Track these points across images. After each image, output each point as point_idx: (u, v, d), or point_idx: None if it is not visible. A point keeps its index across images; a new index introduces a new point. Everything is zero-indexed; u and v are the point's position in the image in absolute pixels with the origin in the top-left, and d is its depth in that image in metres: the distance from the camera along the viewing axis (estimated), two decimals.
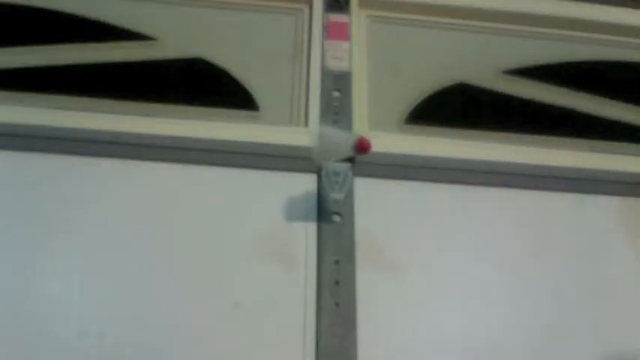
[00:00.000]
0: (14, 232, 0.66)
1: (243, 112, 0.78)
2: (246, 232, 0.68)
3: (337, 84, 0.80)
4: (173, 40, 0.85)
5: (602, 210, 0.76)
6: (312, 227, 0.69)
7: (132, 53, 0.83)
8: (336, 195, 0.66)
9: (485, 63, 0.89)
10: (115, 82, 0.79)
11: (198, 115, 0.76)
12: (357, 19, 0.90)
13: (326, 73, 0.81)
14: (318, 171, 0.72)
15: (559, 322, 0.66)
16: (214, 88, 0.81)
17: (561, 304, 0.68)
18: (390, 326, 0.64)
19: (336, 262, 0.66)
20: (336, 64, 0.82)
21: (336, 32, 0.86)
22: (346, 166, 0.67)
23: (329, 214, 0.69)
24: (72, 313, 0.61)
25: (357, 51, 0.85)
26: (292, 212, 0.70)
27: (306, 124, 0.75)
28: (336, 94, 0.79)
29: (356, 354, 0.60)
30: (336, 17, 0.88)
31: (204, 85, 0.81)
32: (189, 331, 0.61)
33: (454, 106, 0.84)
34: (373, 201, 0.72)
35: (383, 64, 0.86)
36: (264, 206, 0.70)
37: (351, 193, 0.71)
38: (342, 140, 0.65)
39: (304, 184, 0.72)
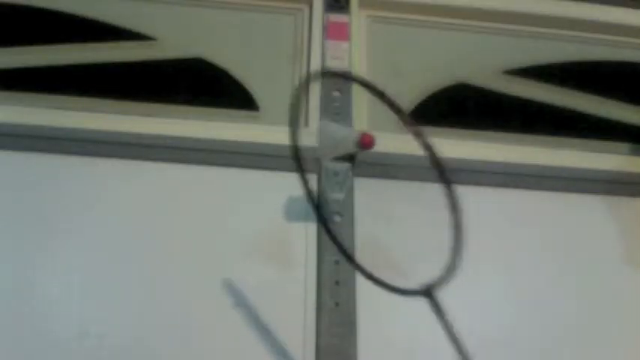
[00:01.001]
0: (14, 232, 0.66)
1: (243, 112, 0.78)
2: (246, 232, 0.68)
3: (337, 84, 0.80)
4: (173, 40, 0.85)
5: (602, 210, 0.76)
6: (312, 227, 0.69)
7: (132, 53, 0.83)
8: (336, 195, 0.66)
9: (485, 63, 0.89)
10: (115, 82, 0.79)
11: (198, 115, 0.76)
12: (357, 19, 0.89)
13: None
14: (318, 171, 0.72)
15: (558, 323, 0.66)
16: (214, 88, 0.81)
17: (560, 304, 0.68)
18: (390, 326, 0.63)
19: (336, 262, 0.66)
20: (336, 64, 0.82)
21: (336, 32, 0.86)
22: (346, 166, 0.67)
23: (329, 214, 0.69)
24: (72, 313, 0.61)
25: (357, 51, 0.85)
26: (292, 212, 0.70)
27: (306, 124, 0.75)
28: (336, 94, 0.79)
29: (356, 354, 0.60)
30: (336, 17, 0.88)
31: (204, 85, 0.81)
32: (189, 331, 0.61)
33: (454, 106, 0.84)
34: (373, 201, 0.72)
35: (383, 64, 0.86)
36: (264, 206, 0.70)
37: (351, 193, 0.71)
38: (346, 136, 0.65)
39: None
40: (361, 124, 0.76)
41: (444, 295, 0.67)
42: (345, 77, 0.43)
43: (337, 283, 0.65)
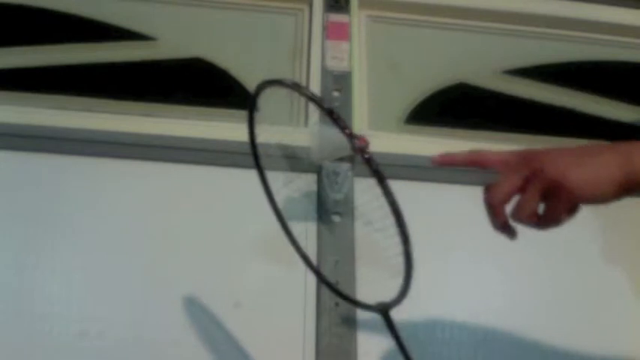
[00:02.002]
0: (15, 232, 0.66)
1: (243, 112, 0.78)
2: (246, 232, 0.68)
3: (337, 84, 0.80)
4: (173, 40, 0.85)
5: (600, 210, 0.76)
6: (312, 227, 0.69)
7: (132, 53, 0.83)
8: (336, 195, 0.66)
9: (485, 63, 0.89)
10: (115, 82, 0.79)
11: (198, 115, 0.76)
12: (357, 19, 0.89)
13: (326, 73, 0.81)
14: (318, 171, 0.72)
15: (559, 322, 0.66)
16: (214, 88, 0.81)
17: (560, 302, 0.68)
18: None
19: (336, 262, 0.66)
20: (336, 64, 0.82)
21: (336, 32, 0.86)
22: (346, 166, 0.67)
23: (329, 214, 0.69)
24: (72, 313, 0.61)
25: (357, 51, 0.85)
26: (292, 212, 0.70)
27: (306, 124, 0.75)
28: (336, 94, 0.79)
29: (356, 354, 0.60)
30: (336, 17, 0.88)
31: (204, 85, 0.81)
32: (189, 331, 0.61)
33: (454, 106, 0.84)
34: (373, 201, 0.72)
35: (383, 64, 0.86)
36: (264, 206, 0.70)
37: (351, 193, 0.71)
38: (340, 139, 0.65)
39: (304, 184, 0.72)
40: (361, 124, 0.76)
41: (445, 295, 0.67)
42: (285, 85, 0.44)
43: (337, 283, 0.64)
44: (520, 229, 0.50)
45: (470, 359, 0.63)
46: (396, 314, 0.64)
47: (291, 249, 0.68)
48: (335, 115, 0.40)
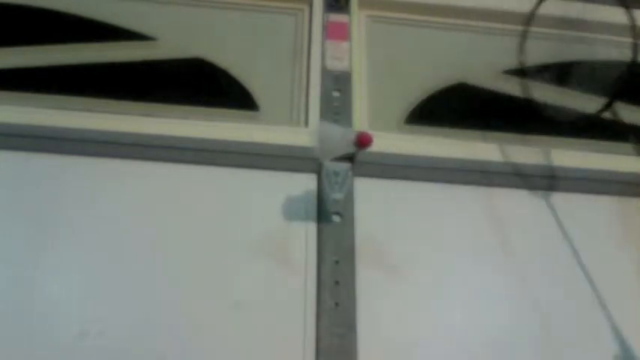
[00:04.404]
0: (14, 231, 0.66)
1: (243, 112, 0.78)
2: (246, 232, 0.68)
3: (337, 84, 0.80)
4: (173, 40, 0.85)
5: (602, 210, 0.76)
6: (312, 227, 0.69)
7: (132, 53, 0.83)
8: (336, 195, 0.66)
9: (485, 63, 0.89)
10: (115, 82, 0.79)
11: (198, 115, 0.76)
12: (357, 19, 0.90)
13: (326, 73, 0.81)
14: (318, 171, 0.72)
15: (557, 320, 0.66)
16: (214, 88, 0.81)
17: (559, 302, 0.68)
18: (390, 326, 0.64)
19: (336, 262, 0.66)
20: (336, 64, 0.82)
21: (336, 32, 0.86)
22: (346, 166, 0.67)
23: (329, 214, 0.69)
24: (72, 313, 0.61)
25: (357, 51, 0.85)
26: (292, 212, 0.70)
27: (306, 124, 0.75)
28: (336, 94, 0.79)
29: (356, 354, 0.60)
30: (336, 17, 0.88)
31: (204, 85, 0.81)
32: (189, 330, 0.61)
33: (454, 106, 0.84)
34: (373, 201, 0.72)
35: (383, 64, 0.86)
36: (263, 206, 0.70)
37: (351, 193, 0.71)
38: (343, 136, 0.65)
39: (304, 184, 0.72)
40: (361, 124, 0.76)
41: (444, 295, 0.67)
42: None
43: (337, 283, 0.65)
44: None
45: None
46: (393, 313, 0.64)
47: (291, 249, 0.68)
48: None
